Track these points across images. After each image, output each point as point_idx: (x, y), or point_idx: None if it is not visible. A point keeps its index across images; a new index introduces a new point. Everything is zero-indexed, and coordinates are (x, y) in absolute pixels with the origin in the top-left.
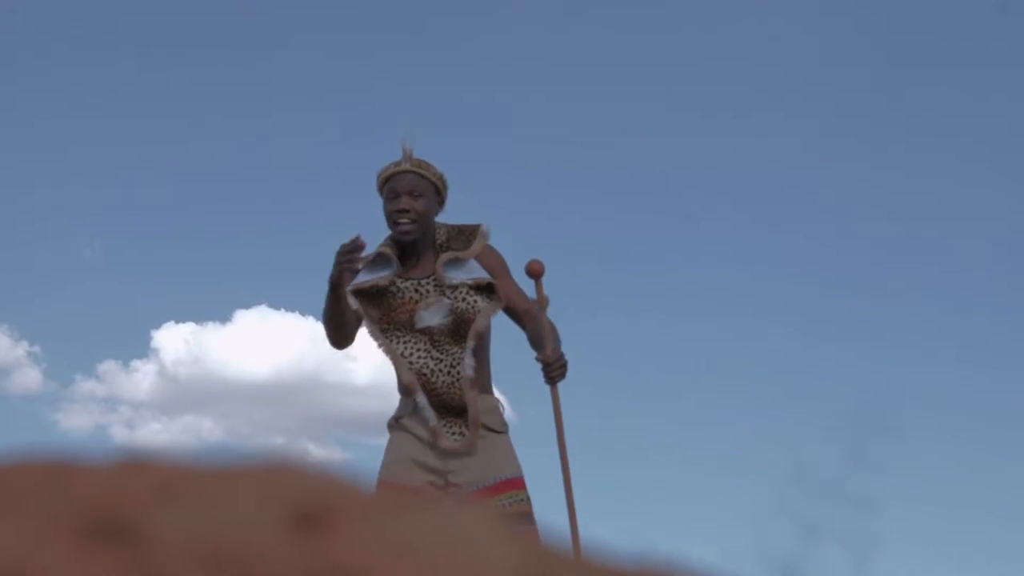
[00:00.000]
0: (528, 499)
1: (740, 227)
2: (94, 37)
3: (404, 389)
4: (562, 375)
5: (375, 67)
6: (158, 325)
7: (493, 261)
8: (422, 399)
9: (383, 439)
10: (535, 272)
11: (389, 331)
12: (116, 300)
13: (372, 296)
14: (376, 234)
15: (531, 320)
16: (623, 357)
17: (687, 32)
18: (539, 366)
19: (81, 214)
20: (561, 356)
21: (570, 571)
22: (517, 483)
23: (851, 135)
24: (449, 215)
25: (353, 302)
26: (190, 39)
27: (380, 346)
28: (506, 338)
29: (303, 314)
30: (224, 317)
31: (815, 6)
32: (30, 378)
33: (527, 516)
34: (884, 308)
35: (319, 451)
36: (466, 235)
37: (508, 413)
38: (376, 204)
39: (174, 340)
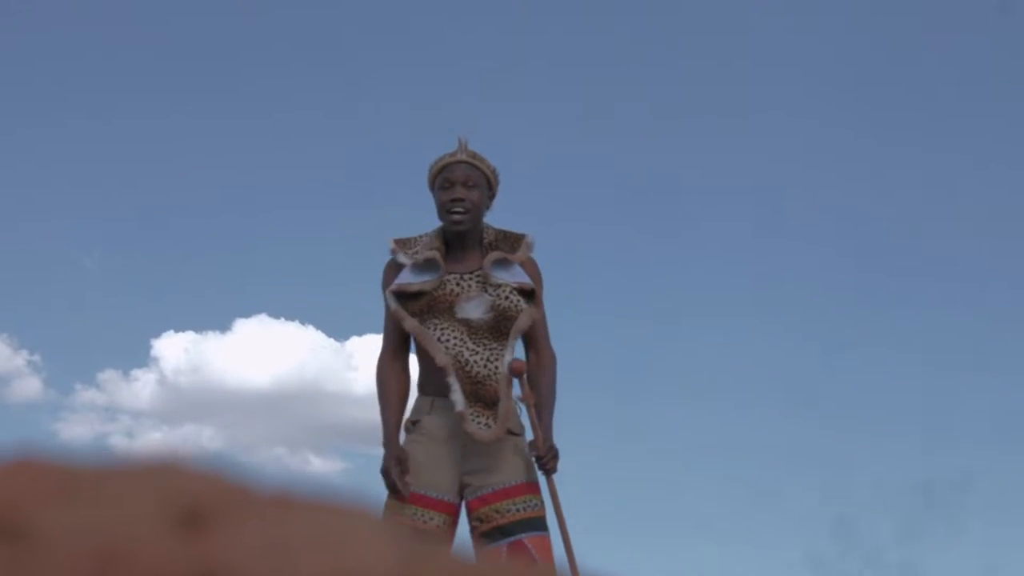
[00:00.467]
0: (542, 503)
1: (743, 231)
2: (92, 45)
3: (430, 386)
4: (555, 467)
5: (374, 76)
6: (158, 334)
7: (534, 273)
8: (455, 383)
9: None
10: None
11: (427, 319)
12: (116, 309)
13: (405, 294)
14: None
15: (545, 371)
16: (623, 362)
17: (688, 35)
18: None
19: (81, 223)
20: (552, 448)
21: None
22: (533, 488)
23: (852, 138)
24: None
25: (392, 302)
26: (188, 47)
27: (417, 336)
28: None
29: (303, 323)
30: (224, 326)
31: (817, 10)
32: (30, 387)
33: (540, 521)
34: (898, 316)
35: (319, 461)
36: (511, 241)
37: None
38: (375, 215)
39: (174, 349)
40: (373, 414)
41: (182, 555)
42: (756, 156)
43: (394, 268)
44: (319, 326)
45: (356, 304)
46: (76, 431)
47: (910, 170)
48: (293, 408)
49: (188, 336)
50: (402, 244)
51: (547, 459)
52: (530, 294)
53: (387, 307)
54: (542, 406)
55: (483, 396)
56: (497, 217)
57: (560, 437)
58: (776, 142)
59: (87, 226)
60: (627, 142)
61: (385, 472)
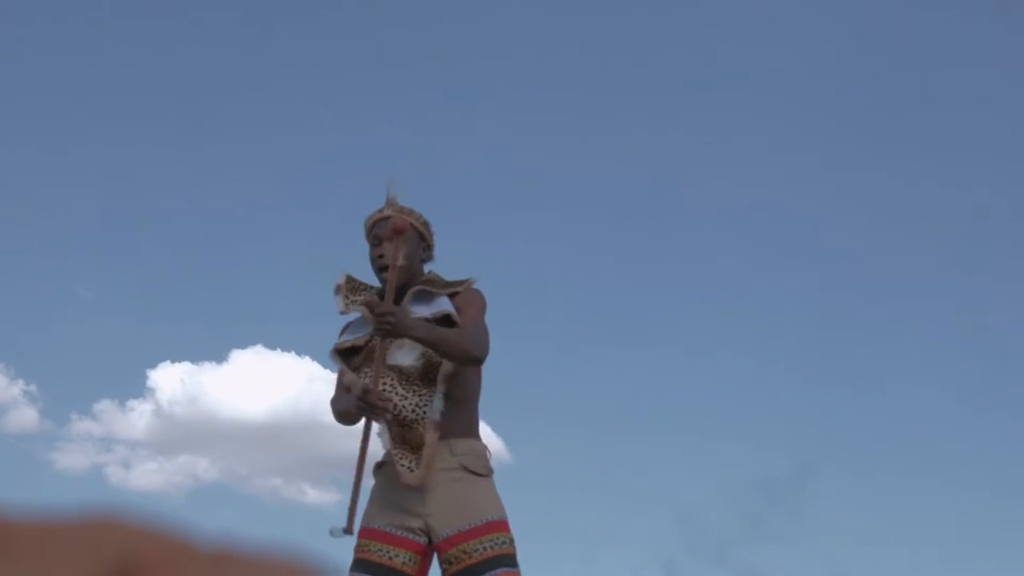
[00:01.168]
0: (511, 541)
1: (741, 263)
2: (87, 74)
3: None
4: (384, 327)
5: (372, 107)
6: (154, 364)
7: (464, 300)
8: (384, 427)
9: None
10: (399, 228)
11: (360, 368)
12: (112, 339)
13: (341, 351)
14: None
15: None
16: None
17: (685, 63)
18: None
19: (77, 253)
20: (390, 311)
21: None
22: (501, 525)
23: (847, 168)
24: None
25: (337, 362)
26: (186, 75)
27: (351, 385)
28: (499, 381)
29: (299, 354)
30: (220, 357)
31: (814, 35)
32: (26, 417)
33: (510, 558)
34: (874, 345)
35: (315, 492)
36: (453, 285)
37: (503, 456)
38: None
39: (170, 380)
40: (371, 447)
41: None
42: (748, 189)
43: (343, 329)
44: (315, 357)
45: None
46: (72, 461)
47: (907, 202)
48: (290, 439)
49: (184, 367)
50: (350, 285)
51: (381, 317)
52: (452, 321)
53: (336, 387)
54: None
55: (410, 440)
56: (485, 245)
57: None
58: (769, 176)
59: (83, 256)
60: (613, 168)
61: (362, 396)
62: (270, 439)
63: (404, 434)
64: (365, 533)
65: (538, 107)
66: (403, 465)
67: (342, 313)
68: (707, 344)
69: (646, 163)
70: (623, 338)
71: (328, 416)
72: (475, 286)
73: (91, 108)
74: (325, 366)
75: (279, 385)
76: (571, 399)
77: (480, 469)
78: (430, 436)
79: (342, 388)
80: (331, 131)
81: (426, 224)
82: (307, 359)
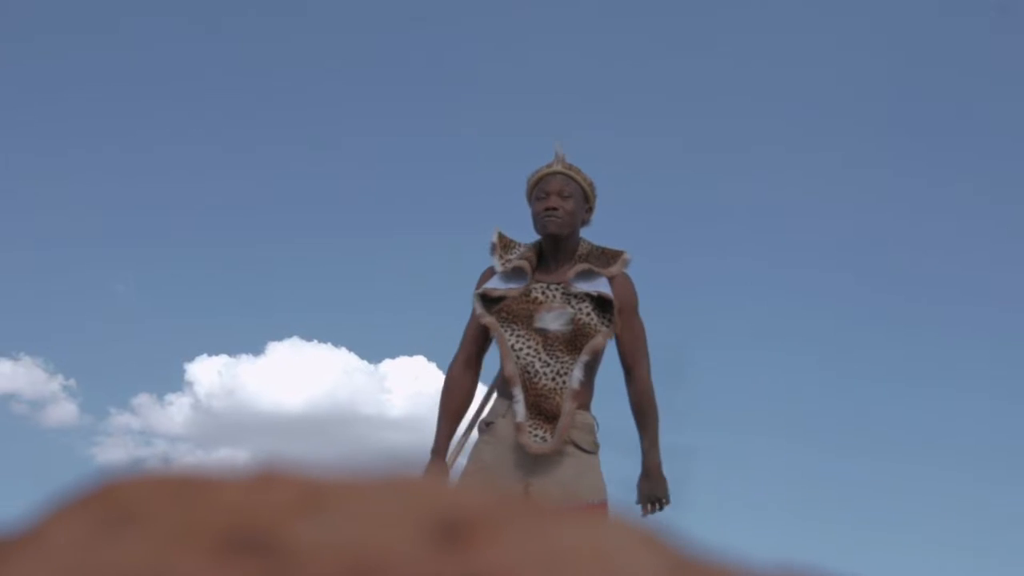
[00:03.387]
0: None
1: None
2: (125, 73)
3: (502, 385)
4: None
5: (403, 99)
6: (191, 358)
7: (624, 291)
8: (519, 394)
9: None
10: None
11: (505, 323)
12: (149, 333)
13: (490, 297)
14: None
15: (642, 396)
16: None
17: (703, 67)
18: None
19: (114, 248)
20: (654, 496)
21: None
22: (600, 508)
23: (867, 167)
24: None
25: (477, 305)
26: (220, 69)
27: (495, 334)
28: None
29: (336, 345)
30: (257, 349)
31: (830, 37)
32: (66, 411)
33: None
34: (901, 341)
35: None
36: (608, 257)
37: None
38: (405, 239)
39: (208, 373)
40: (409, 437)
41: (445, 568)
42: (768, 189)
43: (488, 273)
44: (352, 348)
45: (389, 326)
46: (111, 456)
47: (928, 201)
48: (328, 431)
49: (221, 360)
50: (503, 243)
51: (646, 507)
52: (610, 308)
53: (471, 315)
54: (649, 446)
55: (545, 410)
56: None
57: None
58: (789, 176)
59: (120, 252)
60: (646, 175)
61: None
62: (308, 431)
63: (539, 403)
64: None
65: (554, 107)
66: (536, 436)
67: (502, 272)
68: (720, 342)
69: (670, 163)
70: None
71: (366, 407)
72: (627, 262)
73: (124, 107)
74: (362, 356)
75: (316, 376)
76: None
77: (588, 446)
78: (568, 405)
79: (475, 340)
80: (362, 126)
81: (592, 185)
82: (343, 350)
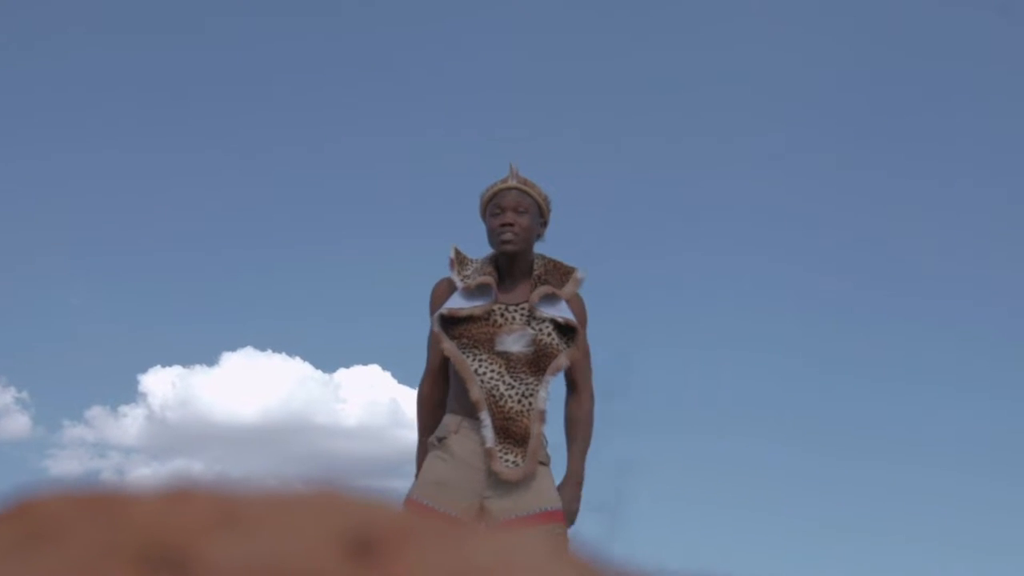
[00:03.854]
0: (565, 533)
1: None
2: (72, 79)
3: (461, 407)
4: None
5: (356, 110)
6: (145, 369)
7: (580, 312)
8: (486, 418)
9: (375, 482)
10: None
11: (467, 348)
12: (102, 345)
13: (455, 318)
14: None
15: (583, 412)
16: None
17: (684, 58)
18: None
19: (68, 259)
20: (571, 514)
21: None
22: (557, 515)
23: (856, 165)
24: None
25: (436, 325)
26: (172, 77)
27: (455, 362)
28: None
29: (290, 355)
30: (210, 360)
31: (816, 30)
32: (19, 424)
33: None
34: (872, 337)
35: None
36: (561, 273)
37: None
38: (359, 248)
39: (161, 384)
40: (364, 446)
41: None
42: (747, 181)
43: (446, 288)
44: (306, 357)
45: (343, 335)
46: (65, 468)
47: (912, 197)
48: (283, 441)
49: (175, 370)
50: (460, 260)
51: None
52: (572, 331)
53: (431, 334)
54: (573, 457)
55: (513, 432)
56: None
57: None
58: (769, 167)
59: (73, 264)
60: (616, 167)
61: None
62: (263, 441)
63: (507, 426)
64: (411, 505)
65: (543, 106)
66: (507, 461)
67: (464, 289)
68: (709, 341)
69: (658, 162)
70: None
71: (321, 417)
72: (580, 281)
73: (79, 116)
74: (317, 366)
75: (270, 386)
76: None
77: (543, 458)
78: (536, 428)
79: (440, 355)
80: (318, 135)
81: (546, 199)
82: (298, 359)
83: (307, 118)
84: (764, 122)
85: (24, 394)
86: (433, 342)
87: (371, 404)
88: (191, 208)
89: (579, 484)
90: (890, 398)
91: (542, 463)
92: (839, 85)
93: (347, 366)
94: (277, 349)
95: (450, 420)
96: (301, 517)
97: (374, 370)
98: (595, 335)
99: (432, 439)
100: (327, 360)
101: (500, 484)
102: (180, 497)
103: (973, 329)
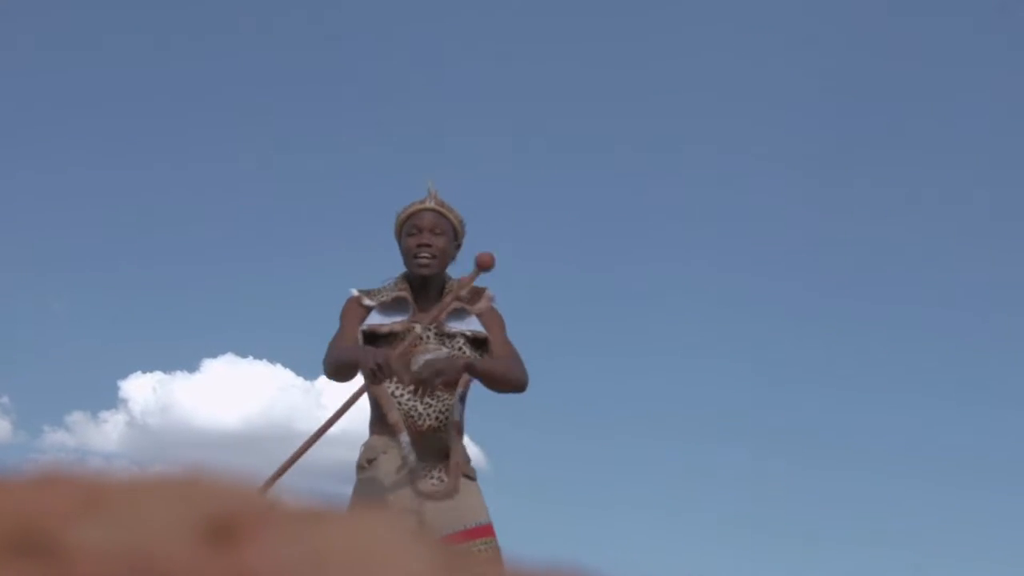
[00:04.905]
0: (497, 546)
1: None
2: (53, 91)
3: (383, 429)
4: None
5: (338, 119)
6: (125, 375)
7: (491, 321)
8: (406, 439)
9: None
10: (484, 264)
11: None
12: (83, 350)
13: (376, 335)
14: (361, 277)
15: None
16: (582, 397)
17: (655, 66)
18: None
19: (48, 266)
20: (433, 368)
21: None
22: (487, 530)
23: (821, 171)
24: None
25: (360, 341)
26: (147, 89)
27: (373, 391)
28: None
29: (271, 362)
30: (191, 366)
31: (796, 39)
32: (0, 429)
33: (496, 563)
34: (849, 347)
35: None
36: (471, 293)
37: (481, 462)
38: (339, 254)
39: (142, 390)
40: (346, 454)
41: (213, 568)
42: (716, 189)
43: (358, 307)
44: (287, 364)
45: (325, 342)
46: None
47: (883, 206)
48: (263, 447)
49: (156, 376)
50: (365, 293)
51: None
52: (483, 343)
53: (340, 334)
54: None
55: (433, 449)
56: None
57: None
58: (742, 175)
59: (54, 268)
60: (586, 175)
61: (382, 363)
62: (244, 447)
63: (427, 444)
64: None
65: (516, 112)
66: (431, 479)
67: (380, 305)
68: (693, 348)
69: (636, 168)
70: (599, 343)
71: (302, 424)
72: (493, 303)
73: (63, 128)
74: (298, 373)
75: (251, 393)
76: (549, 405)
77: (469, 472)
78: (456, 443)
79: (347, 339)
80: (297, 144)
81: (462, 222)
82: (279, 366)
83: (286, 128)
84: (733, 129)
85: (4, 399)
86: (343, 335)
87: (354, 411)
88: (174, 216)
89: (463, 362)
90: (851, 404)
91: (469, 477)
92: (812, 94)
93: None
94: (258, 356)
95: (376, 441)
96: (162, 502)
97: (356, 378)
98: (548, 339)
99: (361, 460)
100: (309, 367)
101: (429, 501)
102: (43, 482)
103: (937, 335)
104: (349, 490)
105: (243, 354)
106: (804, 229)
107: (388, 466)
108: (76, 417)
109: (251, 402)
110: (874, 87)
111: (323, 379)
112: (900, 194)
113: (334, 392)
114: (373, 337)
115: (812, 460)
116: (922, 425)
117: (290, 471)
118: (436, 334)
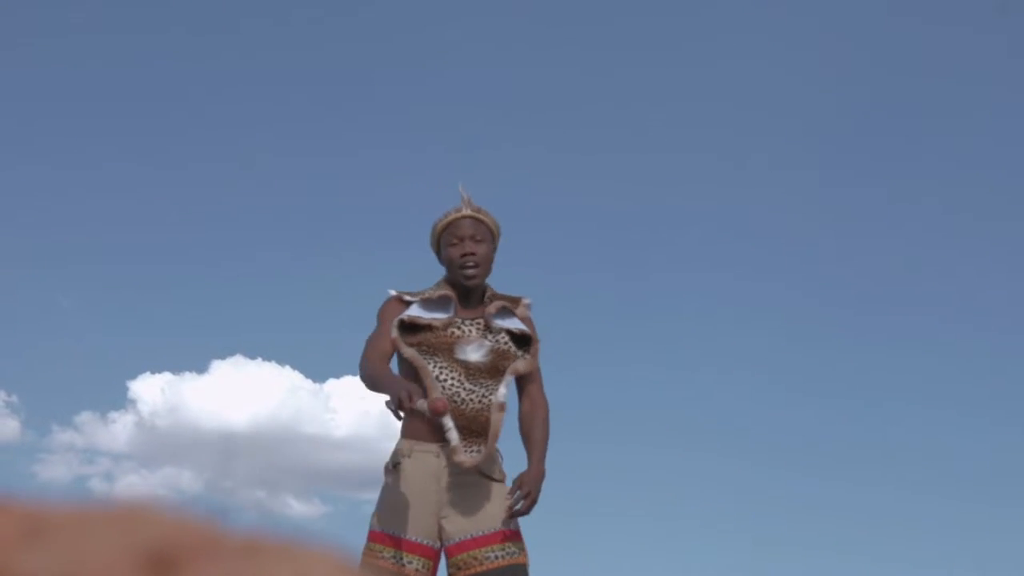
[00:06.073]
0: (523, 551)
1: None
2: (66, 86)
3: (415, 431)
4: (527, 510)
5: (351, 123)
6: (134, 375)
7: (531, 331)
8: (449, 421)
9: (365, 493)
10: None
11: (426, 355)
12: (93, 350)
13: (415, 326)
14: (367, 286)
15: (536, 410)
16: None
17: (666, 76)
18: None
19: (59, 264)
20: (533, 492)
21: None
22: (513, 535)
23: (846, 184)
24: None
25: (394, 330)
26: (160, 86)
27: (417, 367)
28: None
29: (280, 364)
30: (200, 367)
31: (796, 47)
32: (8, 428)
33: (521, 568)
34: (860, 358)
35: (299, 504)
36: (510, 301)
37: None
38: (352, 258)
39: (151, 390)
40: (354, 457)
41: None
42: (742, 203)
43: (398, 304)
44: (296, 366)
45: (334, 345)
46: (54, 473)
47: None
48: (272, 450)
49: (165, 377)
50: (405, 293)
51: (525, 500)
52: (527, 342)
53: (379, 332)
54: (535, 445)
55: (474, 430)
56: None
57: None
58: (763, 187)
59: (65, 267)
60: (605, 187)
61: (404, 395)
62: (252, 450)
63: (469, 426)
64: (376, 537)
65: (525, 120)
66: (470, 452)
67: (423, 301)
68: (695, 357)
69: (645, 177)
70: (600, 346)
71: (310, 427)
72: (528, 307)
73: (73, 125)
74: (307, 375)
75: (260, 395)
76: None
77: (496, 474)
78: (495, 416)
79: (384, 352)
80: (311, 146)
81: (498, 227)
82: (288, 368)
83: (300, 130)
84: (744, 139)
85: (13, 398)
86: (383, 340)
87: (362, 415)
88: (184, 216)
89: (541, 475)
90: (861, 415)
91: (497, 480)
92: (817, 104)
93: (337, 376)
94: (267, 358)
95: (402, 445)
96: (103, 532)
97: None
98: (568, 350)
99: (386, 465)
100: (318, 369)
101: (456, 503)
102: None
103: (941, 346)
104: (353, 493)
105: (252, 355)
106: (805, 236)
107: (413, 469)
108: (85, 417)
109: (259, 404)
110: (897, 98)
111: (332, 382)
112: (912, 209)
113: (343, 395)
114: (412, 327)
115: (812, 469)
116: (924, 435)
117: (296, 475)
118: (479, 328)
